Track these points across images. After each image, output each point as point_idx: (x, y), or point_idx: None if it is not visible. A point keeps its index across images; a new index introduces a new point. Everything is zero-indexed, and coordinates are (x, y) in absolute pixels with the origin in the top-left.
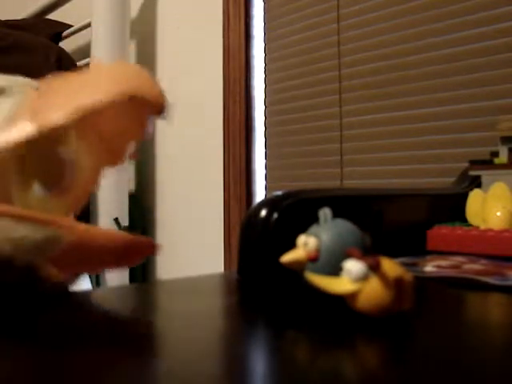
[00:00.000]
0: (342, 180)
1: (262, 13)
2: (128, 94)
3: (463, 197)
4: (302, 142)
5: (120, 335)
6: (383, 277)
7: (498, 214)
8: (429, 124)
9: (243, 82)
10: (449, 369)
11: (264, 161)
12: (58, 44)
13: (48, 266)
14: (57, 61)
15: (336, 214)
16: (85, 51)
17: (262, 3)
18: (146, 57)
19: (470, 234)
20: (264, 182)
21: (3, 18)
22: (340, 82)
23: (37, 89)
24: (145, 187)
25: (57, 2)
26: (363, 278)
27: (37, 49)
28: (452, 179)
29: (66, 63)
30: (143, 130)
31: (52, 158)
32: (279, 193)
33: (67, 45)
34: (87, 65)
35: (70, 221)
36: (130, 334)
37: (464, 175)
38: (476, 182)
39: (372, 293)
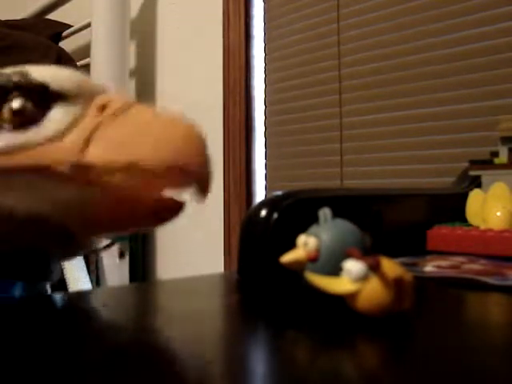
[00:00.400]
0: (342, 180)
1: (262, 13)
2: (174, 165)
3: (463, 197)
4: (302, 142)
5: (120, 335)
6: (383, 277)
7: (498, 214)
8: (429, 124)
9: (243, 82)
10: (449, 369)
11: (264, 161)
12: (58, 44)
13: (81, 226)
14: (57, 61)
15: (336, 214)
16: (85, 51)
17: (262, 3)
18: (146, 57)
19: (470, 234)
20: (264, 182)
21: (3, 18)
22: (340, 82)
23: (97, 105)
24: None
25: (57, 2)
26: (363, 278)
27: (37, 49)
28: (452, 179)
29: (66, 63)
30: (174, 191)
31: None
32: (279, 193)
33: (67, 45)
34: (87, 65)
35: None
36: (130, 334)
37: (464, 175)
38: (476, 182)
39: (372, 293)
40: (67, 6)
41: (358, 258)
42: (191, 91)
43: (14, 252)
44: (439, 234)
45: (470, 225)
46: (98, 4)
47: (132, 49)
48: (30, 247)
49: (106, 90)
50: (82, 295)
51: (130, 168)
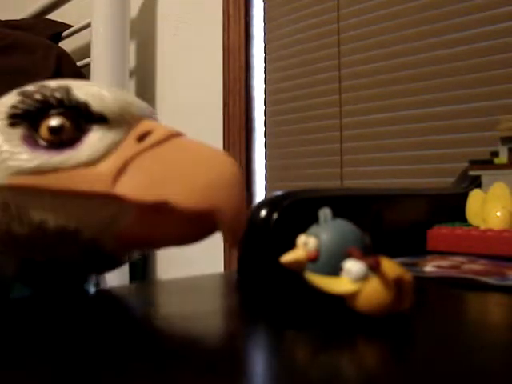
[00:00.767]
0: (342, 180)
1: (262, 13)
2: (207, 210)
3: (463, 197)
4: (302, 142)
5: (119, 336)
6: (383, 277)
7: (498, 214)
8: (429, 124)
9: (243, 82)
10: (449, 369)
11: (264, 161)
12: (58, 44)
13: (113, 241)
14: (57, 61)
15: (336, 214)
16: (85, 51)
17: (262, 3)
18: (146, 57)
19: (470, 234)
20: (264, 182)
21: (3, 18)
22: (340, 82)
23: (136, 134)
24: None
25: (57, 2)
26: (363, 278)
27: (37, 49)
28: (452, 179)
29: (66, 63)
30: (197, 236)
31: None
32: (279, 193)
33: (67, 45)
34: (87, 65)
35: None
36: (130, 335)
37: (464, 175)
38: (476, 182)
39: (372, 293)
40: (67, 6)
41: (358, 257)
42: (191, 91)
43: (51, 262)
44: (439, 234)
45: (470, 225)
46: (98, 4)
47: (132, 49)
48: (64, 259)
49: (151, 115)
50: (81, 295)
51: (159, 207)
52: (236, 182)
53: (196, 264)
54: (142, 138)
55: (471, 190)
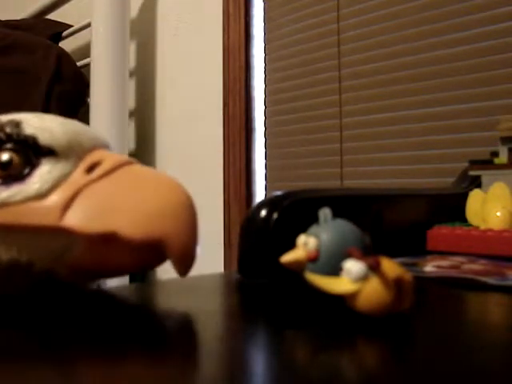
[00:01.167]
0: (342, 180)
1: (262, 13)
2: (154, 239)
3: (463, 197)
4: (302, 142)
5: (119, 335)
6: (383, 277)
7: (498, 214)
8: (429, 124)
9: (243, 82)
10: (449, 369)
11: (264, 161)
12: (58, 44)
13: (66, 271)
14: (57, 61)
15: (336, 214)
16: (85, 51)
17: (262, 3)
18: (146, 57)
19: (470, 234)
20: (264, 182)
21: (3, 18)
22: (340, 82)
23: (85, 165)
24: None
25: (57, 2)
26: (363, 278)
27: (37, 49)
28: (452, 179)
29: (66, 63)
30: (149, 263)
31: None
32: (279, 193)
33: (67, 45)
34: (87, 65)
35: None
36: (130, 334)
37: (464, 175)
38: (476, 182)
39: (372, 293)
40: (67, 6)
41: (358, 257)
42: (191, 91)
43: None
44: (439, 234)
45: (470, 225)
46: (98, 4)
47: (132, 49)
48: (16, 292)
49: (103, 144)
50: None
51: (107, 237)
52: (184, 209)
53: (196, 264)
54: (91, 168)
55: (471, 190)
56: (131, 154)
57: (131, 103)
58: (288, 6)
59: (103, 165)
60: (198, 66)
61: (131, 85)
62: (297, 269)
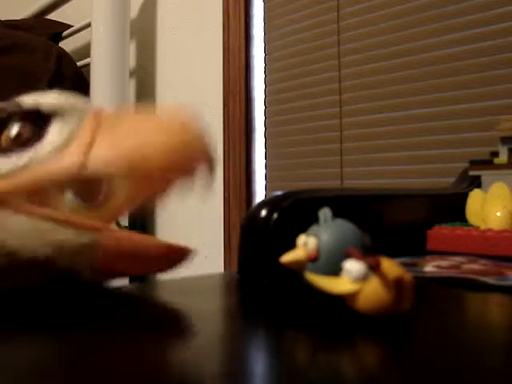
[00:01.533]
0: (342, 180)
1: (262, 13)
2: (178, 150)
3: (463, 197)
4: (302, 142)
5: (119, 335)
6: (383, 277)
7: (498, 214)
8: (429, 124)
9: (243, 82)
10: (449, 369)
11: (264, 161)
12: (58, 44)
13: (88, 270)
14: (57, 61)
15: (336, 214)
16: (85, 51)
17: (262, 3)
18: (146, 57)
19: (470, 234)
20: (264, 182)
21: (3, 18)
22: (340, 82)
23: (91, 117)
24: None
25: (57, 2)
26: (363, 278)
27: (37, 49)
28: (452, 179)
29: (66, 63)
30: (187, 175)
31: None
32: (279, 193)
33: (67, 45)
34: (87, 65)
35: (109, 227)
36: (129, 334)
37: (464, 175)
38: (476, 182)
39: (372, 293)
40: (67, 5)
41: (358, 258)
42: (191, 91)
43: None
44: (439, 234)
45: (470, 225)
46: (98, 4)
47: (132, 49)
48: (35, 286)
49: (97, 108)
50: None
51: (132, 167)
52: (194, 131)
53: (196, 264)
54: (98, 119)
55: (471, 190)
56: None
57: (131, 103)
58: (288, 5)
59: (108, 115)
60: (198, 66)
61: (131, 85)
62: (297, 269)
